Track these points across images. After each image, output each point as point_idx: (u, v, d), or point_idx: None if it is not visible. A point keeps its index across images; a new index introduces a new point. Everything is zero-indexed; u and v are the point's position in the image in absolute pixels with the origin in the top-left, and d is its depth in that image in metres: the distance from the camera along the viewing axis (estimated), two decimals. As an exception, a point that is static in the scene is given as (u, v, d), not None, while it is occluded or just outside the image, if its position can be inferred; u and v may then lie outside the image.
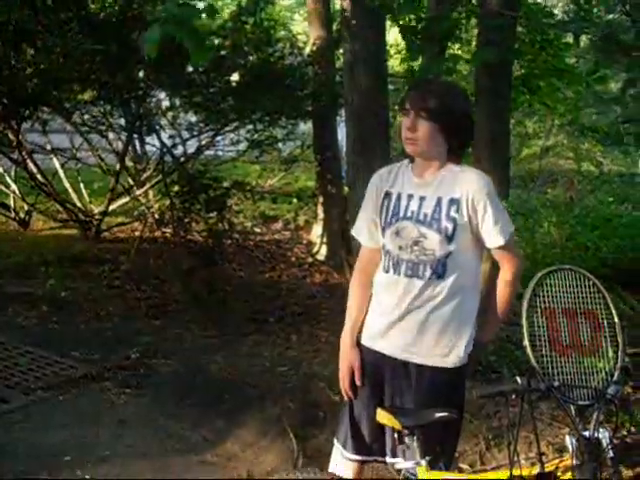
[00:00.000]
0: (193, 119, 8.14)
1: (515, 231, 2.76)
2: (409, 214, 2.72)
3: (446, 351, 2.76)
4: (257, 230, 10.03)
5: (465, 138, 2.81)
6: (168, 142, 8.04)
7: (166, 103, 8.16)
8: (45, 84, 7.19)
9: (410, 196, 2.74)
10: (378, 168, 4.63)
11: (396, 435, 2.72)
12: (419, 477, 2.64)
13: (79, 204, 9.36)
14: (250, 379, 4.80)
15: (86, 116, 8.49)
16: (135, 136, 8.40)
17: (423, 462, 2.61)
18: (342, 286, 6.53)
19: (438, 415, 2.70)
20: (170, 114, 8.09)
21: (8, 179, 9.44)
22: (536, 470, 2.47)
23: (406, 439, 2.66)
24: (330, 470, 2.99)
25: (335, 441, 2.99)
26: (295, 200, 9.89)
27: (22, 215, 9.63)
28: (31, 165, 8.86)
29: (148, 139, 8.48)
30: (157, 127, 7.96)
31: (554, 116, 12.37)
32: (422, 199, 2.71)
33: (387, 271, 2.78)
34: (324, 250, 8.52)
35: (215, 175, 7.43)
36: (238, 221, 9.61)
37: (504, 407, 4.10)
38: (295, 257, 8.83)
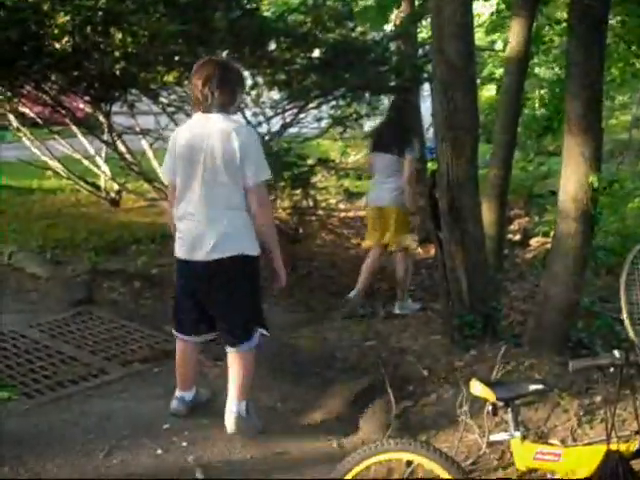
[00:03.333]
0: (276, 97, 8.21)
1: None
2: None
3: None
4: (341, 207, 10.06)
5: None
6: (252, 120, 8.13)
7: (249, 82, 8.24)
8: (132, 67, 7.39)
9: None
10: (468, 142, 4.66)
11: (490, 407, 2.73)
12: (513, 449, 2.64)
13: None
14: (339, 353, 4.86)
15: (172, 96, 8.67)
16: (220, 115, 8.50)
17: (517, 434, 2.62)
18: (428, 262, 6.52)
19: (533, 388, 2.70)
20: (253, 92, 8.17)
21: (99, 160, 9.75)
22: (635, 446, 2.45)
23: (500, 411, 2.68)
24: None
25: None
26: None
27: (113, 194, 9.94)
28: (121, 146, 9.12)
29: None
30: (241, 105, 8.05)
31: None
32: None
33: None
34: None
35: (299, 152, 7.47)
36: (322, 198, 9.67)
37: (597, 384, 4.04)
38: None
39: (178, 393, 4.20)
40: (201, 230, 3.84)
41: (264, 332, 4.09)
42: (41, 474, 3.56)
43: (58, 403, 4.35)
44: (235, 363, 4.00)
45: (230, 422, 3.95)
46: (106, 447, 3.80)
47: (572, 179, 4.43)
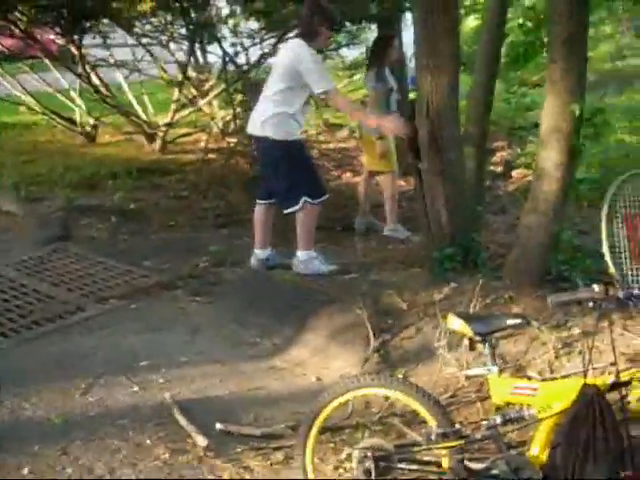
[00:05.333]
0: (254, 26, 8.00)
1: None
2: None
3: None
4: (322, 138, 9.92)
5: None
6: (230, 51, 7.94)
7: (226, 11, 8.01)
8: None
9: None
10: (449, 70, 4.54)
11: (467, 342, 2.70)
12: (490, 384, 2.62)
13: (144, 116, 9.41)
14: (318, 286, 4.81)
15: (147, 27, 8.42)
16: (197, 46, 8.30)
17: (494, 369, 2.59)
18: (409, 193, 6.45)
19: (510, 322, 2.67)
20: (231, 22, 7.96)
21: (73, 94, 9.53)
22: (610, 379, 2.43)
23: (478, 346, 2.65)
24: None
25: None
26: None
27: (88, 129, 9.74)
28: (95, 79, 8.90)
29: (210, 48, 8.39)
30: (219, 36, 7.84)
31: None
32: None
33: None
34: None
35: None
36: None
37: (575, 316, 4.03)
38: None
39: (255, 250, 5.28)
40: None
41: (308, 200, 4.97)
42: (17, 412, 3.53)
43: (35, 342, 4.32)
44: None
45: (294, 265, 5.10)
46: (83, 385, 3.77)
47: (554, 108, 4.31)
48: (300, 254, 5.09)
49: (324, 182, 5.41)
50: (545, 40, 8.19)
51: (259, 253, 5.25)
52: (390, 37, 6.58)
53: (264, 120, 4.97)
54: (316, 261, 5.09)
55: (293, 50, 4.95)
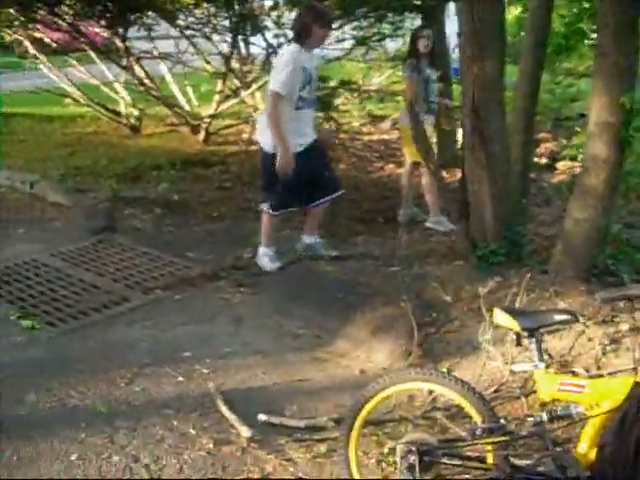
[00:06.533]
0: (298, 18, 7.97)
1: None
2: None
3: None
4: (364, 130, 9.89)
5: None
6: (273, 42, 7.94)
7: (269, 2, 8.01)
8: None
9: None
10: (494, 61, 4.49)
11: (513, 337, 2.67)
12: (536, 380, 2.58)
13: (187, 107, 9.48)
14: (362, 278, 4.80)
15: (190, 19, 8.47)
16: (240, 37, 8.32)
17: (541, 365, 2.56)
18: (452, 185, 6.39)
19: (558, 317, 2.63)
20: (274, 13, 7.95)
21: (118, 86, 9.63)
22: (663, 378, 2.38)
23: (524, 341, 2.61)
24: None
25: None
26: (402, 98, 9.66)
27: (133, 121, 9.85)
28: (139, 71, 8.98)
29: (253, 40, 8.40)
30: (262, 27, 7.85)
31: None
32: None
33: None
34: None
35: (321, 74, 7.27)
36: (345, 121, 9.52)
37: (622, 312, 3.96)
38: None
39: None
40: None
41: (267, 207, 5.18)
42: (64, 400, 3.59)
43: (81, 331, 4.37)
44: None
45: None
46: (128, 375, 3.81)
47: (603, 100, 4.23)
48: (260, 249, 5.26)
49: (295, 197, 5.22)
50: (586, 30, 8.07)
51: (305, 238, 5.34)
52: (420, 28, 6.47)
53: (259, 127, 5.26)
54: (266, 258, 5.20)
55: (281, 53, 5.15)
